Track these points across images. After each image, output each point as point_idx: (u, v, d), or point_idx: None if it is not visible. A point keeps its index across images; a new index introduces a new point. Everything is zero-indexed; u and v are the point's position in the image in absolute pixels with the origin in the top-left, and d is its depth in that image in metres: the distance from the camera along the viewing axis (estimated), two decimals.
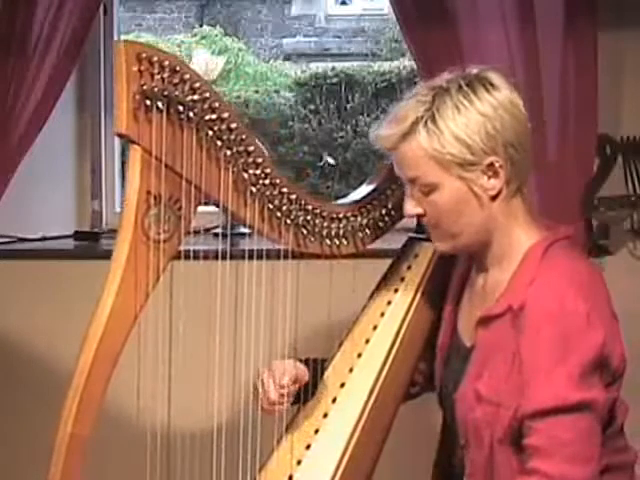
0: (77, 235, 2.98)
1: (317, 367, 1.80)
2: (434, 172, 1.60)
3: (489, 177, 1.61)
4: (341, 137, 5.54)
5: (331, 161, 5.34)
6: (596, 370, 1.55)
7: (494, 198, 1.62)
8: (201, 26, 6.19)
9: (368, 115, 5.56)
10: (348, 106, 5.61)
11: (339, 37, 6.38)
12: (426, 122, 1.59)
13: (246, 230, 2.66)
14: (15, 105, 2.68)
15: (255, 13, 6.49)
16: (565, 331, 1.53)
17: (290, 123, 5.55)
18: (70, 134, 3.05)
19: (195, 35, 5.98)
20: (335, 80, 5.66)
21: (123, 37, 3.16)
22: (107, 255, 2.84)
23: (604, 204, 2.64)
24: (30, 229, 2.89)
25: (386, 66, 5.68)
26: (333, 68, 5.75)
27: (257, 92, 5.56)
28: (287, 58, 6.19)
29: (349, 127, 5.56)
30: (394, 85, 5.57)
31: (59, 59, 2.69)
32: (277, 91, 5.73)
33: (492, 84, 1.61)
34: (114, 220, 3.04)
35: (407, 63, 5.42)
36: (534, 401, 1.54)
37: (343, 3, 6.50)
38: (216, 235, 2.77)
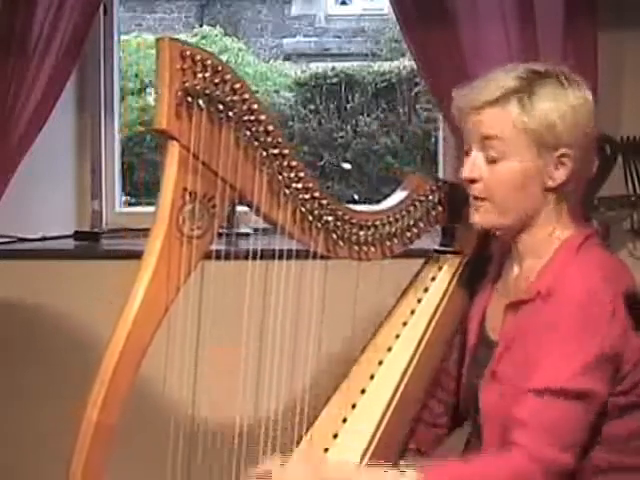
0: (77, 235, 2.98)
1: None
2: (511, 142, 1.64)
3: (557, 167, 1.65)
4: (341, 137, 5.55)
5: (347, 166, 5.34)
6: (609, 362, 1.57)
7: (552, 190, 1.66)
8: (201, 26, 6.19)
9: (368, 115, 5.57)
10: (348, 106, 5.62)
11: (339, 37, 6.38)
12: (522, 96, 1.63)
13: (249, 230, 2.66)
14: (15, 105, 2.68)
15: (255, 13, 6.49)
16: (588, 320, 1.56)
17: (290, 123, 5.55)
18: (70, 134, 3.05)
19: (195, 35, 5.99)
20: (335, 80, 5.66)
21: (123, 37, 3.16)
22: (107, 255, 2.87)
23: (604, 204, 2.64)
24: (30, 229, 2.89)
25: (386, 66, 5.68)
26: (333, 68, 5.75)
27: (257, 92, 5.56)
28: (287, 58, 6.19)
29: (349, 127, 5.56)
30: (394, 85, 5.58)
31: (59, 59, 2.69)
32: (277, 91, 5.73)
33: (579, 85, 1.67)
34: (114, 220, 3.05)
35: (407, 63, 5.42)
36: (539, 378, 1.56)
37: (343, 3, 6.50)
38: (219, 235, 2.78)
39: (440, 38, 2.60)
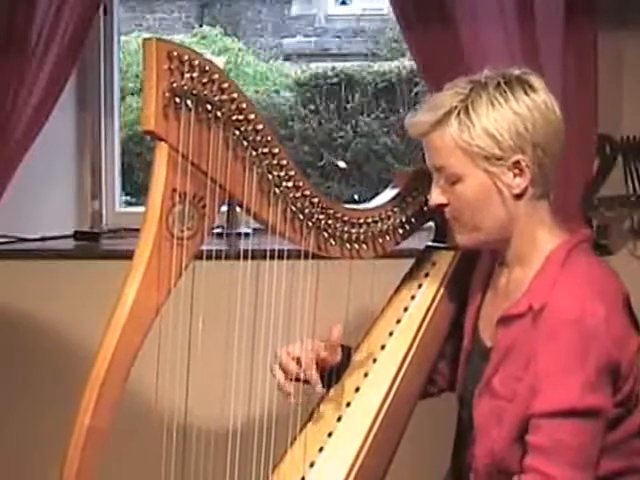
0: (77, 235, 2.98)
1: (344, 353, 1.81)
2: (460, 163, 1.62)
3: (515, 175, 1.63)
4: (341, 137, 5.54)
5: (342, 165, 5.33)
6: (609, 376, 1.56)
7: (518, 197, 1.64)
8: (201, 26, 6.19)
9: (368, 115, 5.56)
10: (348, 106, 5.61)
11: (339, 37, 6.38)
12: (459, 113, 1.61)
13: (247, 230, 2.66)
14: (15, 105, 2.68)
15: (255, 13, 6.48)
16: (584, 337, 1.54)
17: (290, 123, 5.54)
18: (70, 134, 3.05)
19: (195, 35, 5.98)
20: (335, 80, 5.65)
21: (123, 37, 3.16)
22: (107, 255, 2.87)
23: (604, 204, 2.64)
24: (30, 229, 2.89)
25: (386, 66, 5.67)
26: (333, 68, 5.75)
27: (257, 92, 5.56)
28: (287, 58, 6.18)
29: (349, 127, 5.56)
30: (394, 85, 5.57)
31: (59, 59, 2.69)
32: (277, 91, 5.72)
33: (531, 86, 1.63)
34: (114, 220, 3.05)
35: (407, 63, 5.42)
36: (546, 401, 1.55)
37: (343, 3, 6.50)
38: (219, 235, 2.79)
39: (440, 38, 2.60)
